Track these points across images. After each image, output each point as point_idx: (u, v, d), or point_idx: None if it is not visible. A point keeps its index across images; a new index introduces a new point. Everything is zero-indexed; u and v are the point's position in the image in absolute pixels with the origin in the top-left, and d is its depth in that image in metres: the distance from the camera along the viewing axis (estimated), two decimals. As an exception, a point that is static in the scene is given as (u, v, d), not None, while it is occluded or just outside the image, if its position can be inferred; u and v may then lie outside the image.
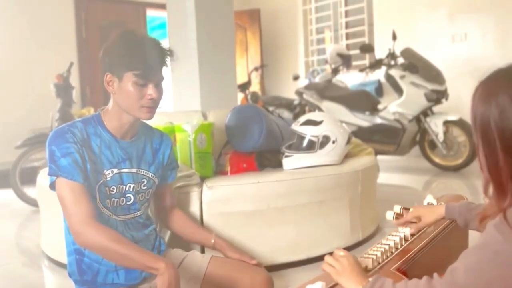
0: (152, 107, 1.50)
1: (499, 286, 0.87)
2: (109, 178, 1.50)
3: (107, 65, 1.48)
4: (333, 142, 2.57)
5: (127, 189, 1.54)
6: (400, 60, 4.97)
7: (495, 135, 0.88)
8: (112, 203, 1.52)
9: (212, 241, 1.75)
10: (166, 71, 1.55)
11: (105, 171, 1.49)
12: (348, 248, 2.44)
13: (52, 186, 1.47)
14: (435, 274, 0.96)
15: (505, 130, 0.87)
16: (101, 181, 1.48)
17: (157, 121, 1.87)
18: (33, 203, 3.92)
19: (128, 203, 1.56)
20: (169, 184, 1.78)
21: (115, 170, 1.51)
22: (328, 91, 5.23)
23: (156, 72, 1.49)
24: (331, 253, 1.16)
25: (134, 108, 1.48)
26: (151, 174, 1.62)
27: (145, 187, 1.61)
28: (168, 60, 1.53)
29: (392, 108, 4.87)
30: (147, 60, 1.45)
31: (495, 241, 0.87)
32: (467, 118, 4.70)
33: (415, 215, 1.44)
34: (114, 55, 1.47)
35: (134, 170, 1.56)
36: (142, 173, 1.59)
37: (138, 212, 1.59)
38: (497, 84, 0.90)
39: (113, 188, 1.51)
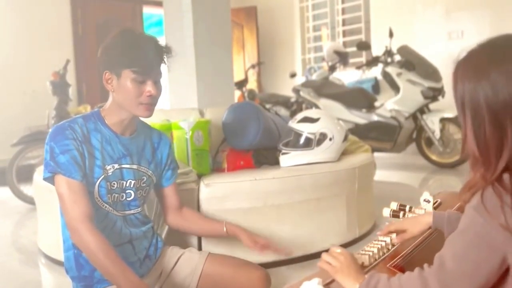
0: (151, 104, 1.51)
1: (487, 268, 0.89)
2: (110, 173, 1.50)
3: (105, 63, 1.49)
4: (330, 139, 2.57)
5: (127, 185, 1.55)
6: (397, 58, 4.98)
7: (484, 110, 0.91)
8: (113, 198, 1.52)
9: (224, 229, 1.73)
10: (163, 68, 1.55)
11: (106, 166, 1.50)
12: (345, 245, 2.45)
13: (47, 179, 1.48)
14: (425, 265, 0.96)
15: (497, 104, 0.90)
16: (103, 176, 1.49)
17: (154, 119, 1.86)
18: (29, 201, 3.92)
19: (128, 199, 1.56)
20: (174, 184, 1.77)
21: (116, 166, 1.52)
22: (325, 88, 5.23)
23: (154, 69, 1.49)
24: (327, 250, 1.16)
25: (132, 105, 1.49)
26: (150, 172, 1.63)
27: (145, 184, 1.61)
28: (166, 57, 1.53)
29: (389, 106, 4.88)
30: (145, 57, 1.46)
31: (475, 224, 0.90)
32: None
33: (399, 228, 1.37)
34: (112, 53, 1.47)
35: (134, 167, 1.57)
36: (143, 170, 1.60)
37: (138, 209, 1.60)
38: (484, 62, 0.92)
39: (114, 183, 1.52)
